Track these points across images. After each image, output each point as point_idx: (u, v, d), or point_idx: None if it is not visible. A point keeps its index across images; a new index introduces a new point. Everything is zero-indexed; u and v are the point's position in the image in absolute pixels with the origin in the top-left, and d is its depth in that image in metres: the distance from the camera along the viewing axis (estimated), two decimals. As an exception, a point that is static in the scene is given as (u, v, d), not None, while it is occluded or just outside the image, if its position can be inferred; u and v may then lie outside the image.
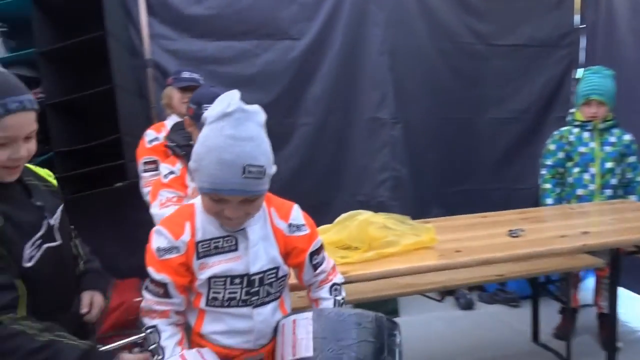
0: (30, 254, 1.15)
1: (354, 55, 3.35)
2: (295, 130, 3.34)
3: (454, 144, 3.61)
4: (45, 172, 1.37)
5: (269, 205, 1.26)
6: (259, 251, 1.20)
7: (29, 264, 1.14)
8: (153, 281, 1.19)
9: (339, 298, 1.35)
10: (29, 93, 1.16)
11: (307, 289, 1.39)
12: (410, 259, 1.77)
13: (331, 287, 1.35)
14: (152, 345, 1.18)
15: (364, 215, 1.80)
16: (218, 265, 1.17)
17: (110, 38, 2.63)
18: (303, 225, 1.29)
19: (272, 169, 1.12)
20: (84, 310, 1.33)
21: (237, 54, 3.17)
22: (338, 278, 1.39)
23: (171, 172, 1.89)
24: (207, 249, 1.17)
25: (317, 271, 1.33)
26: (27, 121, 1.14)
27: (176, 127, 2.19)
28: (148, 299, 1.20)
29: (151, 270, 1.18)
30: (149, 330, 1.20)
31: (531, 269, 2.52)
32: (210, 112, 1.06)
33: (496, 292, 3.43)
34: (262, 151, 1.08)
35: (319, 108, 3.35)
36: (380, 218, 1.82)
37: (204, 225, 1.17)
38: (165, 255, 1.16)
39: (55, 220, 1.26)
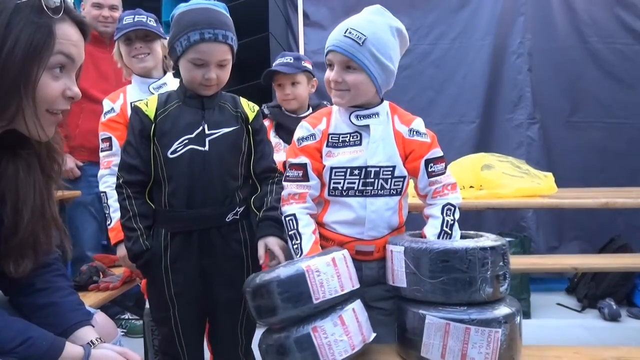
0: (175, 148, 1.41)
1: (492, 57, 3.47)
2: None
3: (603, 149, 3.44)
4: (247, 104, 1.53)
5: (393, 113, 1.40)
6: (378, 147, 1.34)
7: (171, 155, 1.40)
8: (293, 166, 1.35)
9: (448, 218, 1.34)
10: (227, 30, 1.37)
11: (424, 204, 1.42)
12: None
13: (444, 206, 1.36)
14: (290, 231, 1.32)
15: (477, 154, 1.88)
16: (342, 155, 1.34)
17: (272, 39, 3.16)
18: (424, 133, 1.38)
19: None
20: (260, 261, 1.39)
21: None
22: (455, 197, 1.38)
23: None
24: (335, 141, 1.36)
25: (432, 179, 1.36)
26: (218, 50, 1.37)
27: None
28: (288, 185, 1.36)
29: (291, 159, 1.36)
30: (288, 218, 1.33)
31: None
32: None
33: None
34: None
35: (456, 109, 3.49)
36: (494, 159, 1.87)
37: (337, 123, 1.38)
38: (303, 143, 1.36)
39: (213, 132, 1.43)
